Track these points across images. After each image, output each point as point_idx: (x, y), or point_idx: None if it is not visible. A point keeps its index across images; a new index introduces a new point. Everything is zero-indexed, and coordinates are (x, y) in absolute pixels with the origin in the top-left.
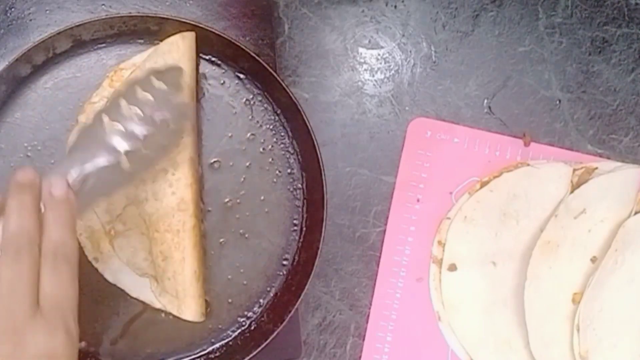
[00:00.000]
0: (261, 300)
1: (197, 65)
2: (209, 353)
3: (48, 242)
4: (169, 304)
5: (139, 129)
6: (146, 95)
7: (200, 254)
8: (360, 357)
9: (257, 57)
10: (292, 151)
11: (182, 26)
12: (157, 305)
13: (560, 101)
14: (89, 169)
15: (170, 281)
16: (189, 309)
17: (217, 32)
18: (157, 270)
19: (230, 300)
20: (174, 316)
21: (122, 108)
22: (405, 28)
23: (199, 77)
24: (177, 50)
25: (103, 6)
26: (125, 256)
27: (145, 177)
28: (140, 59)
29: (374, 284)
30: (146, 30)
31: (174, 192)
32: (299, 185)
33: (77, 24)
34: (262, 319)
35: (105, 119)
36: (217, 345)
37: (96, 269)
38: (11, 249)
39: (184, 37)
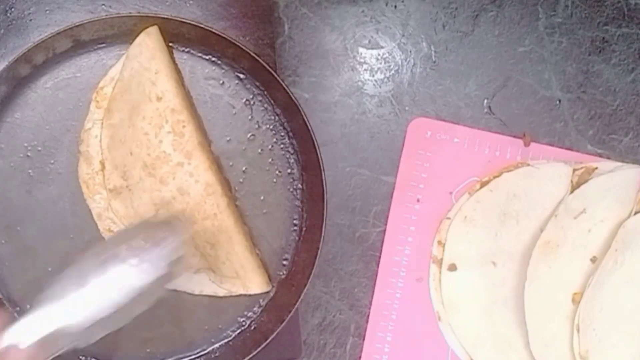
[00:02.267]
0: (261, 300)
1: (172, 53)
2: (209, 353)
3: None
4: (234, 287)
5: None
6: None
7: (243, 227)
8: (360, 357)
9: (257, 57)
10: (292, 151)
11: (182, 26)
12: (222, 294)
13: (560, 101)
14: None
15: (225, 265)
16: (254, 283)
17: (217, 32)
18: (209, 260)
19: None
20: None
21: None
22: (405, 28)
23: (179, 67)
24: (147, 48)
25: (103, 6)
26: None
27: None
28: (116, 71)
29: (374, 284)
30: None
31: (196, 180)
32: (299, 185)
33: (77, 24)
34: (262, 319)
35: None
36: (217, 345)
37: None
38: None
39: (149, 33)
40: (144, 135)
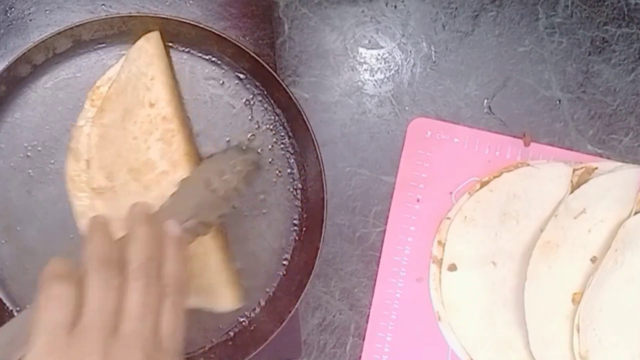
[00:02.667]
0: (261, 300)
1: (170, 59)
2: (208, 353)
3: (170, 276)
4: (204, 301)
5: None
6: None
7: (221, 242)
8: (360, 357)
9: (257, 57)
10: (292, 151)
11: (182, 26)
12: (192, 306)
13: (560, 101)
14: (192, 215)
15: (199, 279)
16: (223, 299)
17: (217, 32)
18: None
19: None
20: None
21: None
22: (405, 28)
23: (174, 73)
24: (146, 53)
25: (103, 6)
26: None
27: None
28: (115, 72)
29: (374, 284)
30: (146, 30)
31: None
32: (299, 185)
33: (77, 24)
34: (262, 319)
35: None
36: (217, 345)
37: None
38: (142, 278)
39: (149, 38)
40: (133, 139)
